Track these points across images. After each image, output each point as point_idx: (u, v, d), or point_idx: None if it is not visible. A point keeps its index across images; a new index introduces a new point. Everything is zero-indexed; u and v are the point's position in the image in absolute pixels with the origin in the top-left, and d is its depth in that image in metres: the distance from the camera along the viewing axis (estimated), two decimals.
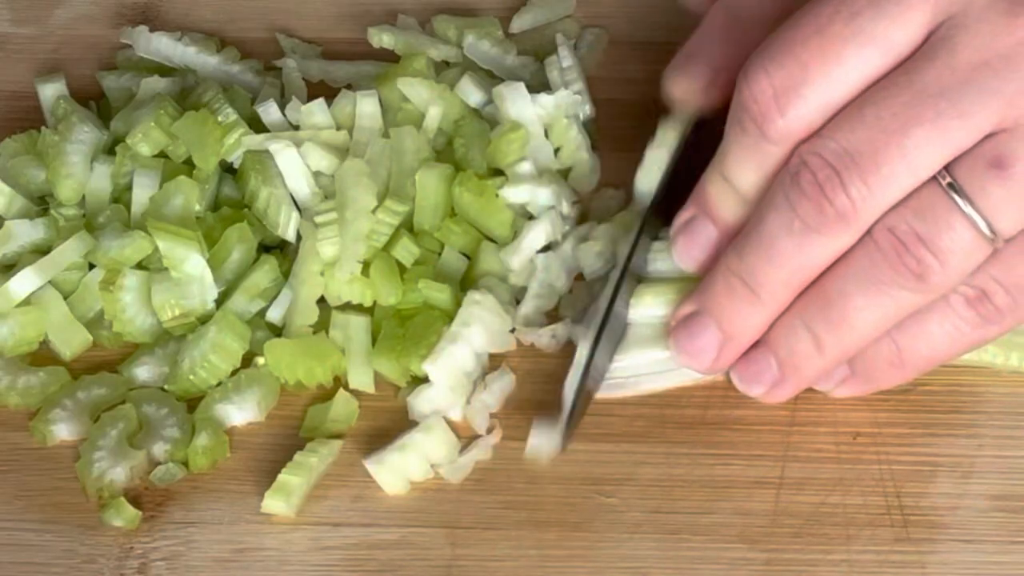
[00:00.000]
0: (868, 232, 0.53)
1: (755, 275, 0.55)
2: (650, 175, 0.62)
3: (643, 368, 0.60)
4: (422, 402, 0.61)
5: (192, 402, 0.62)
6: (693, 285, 0.58)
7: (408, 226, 0.65)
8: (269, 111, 0.68)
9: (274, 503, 0.58)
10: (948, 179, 0.52)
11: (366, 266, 0.63)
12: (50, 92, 0.72)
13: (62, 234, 0.65)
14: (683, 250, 0.59)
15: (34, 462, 0.61)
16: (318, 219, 0.63)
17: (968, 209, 0.52)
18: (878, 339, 0.55)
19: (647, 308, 0.60)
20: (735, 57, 0.57)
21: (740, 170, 0.56)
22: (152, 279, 0.63)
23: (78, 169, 0.67)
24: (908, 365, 0.56)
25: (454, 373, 0.61)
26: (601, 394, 0.60)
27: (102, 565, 0.58)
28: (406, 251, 0.64)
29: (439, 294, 0.63)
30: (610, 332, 0.59)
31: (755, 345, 0.57)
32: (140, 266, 0.64)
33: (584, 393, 0.58)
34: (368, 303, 0.63)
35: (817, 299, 0.55)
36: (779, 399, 0.58)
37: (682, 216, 0.59)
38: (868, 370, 0.57)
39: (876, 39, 0.52)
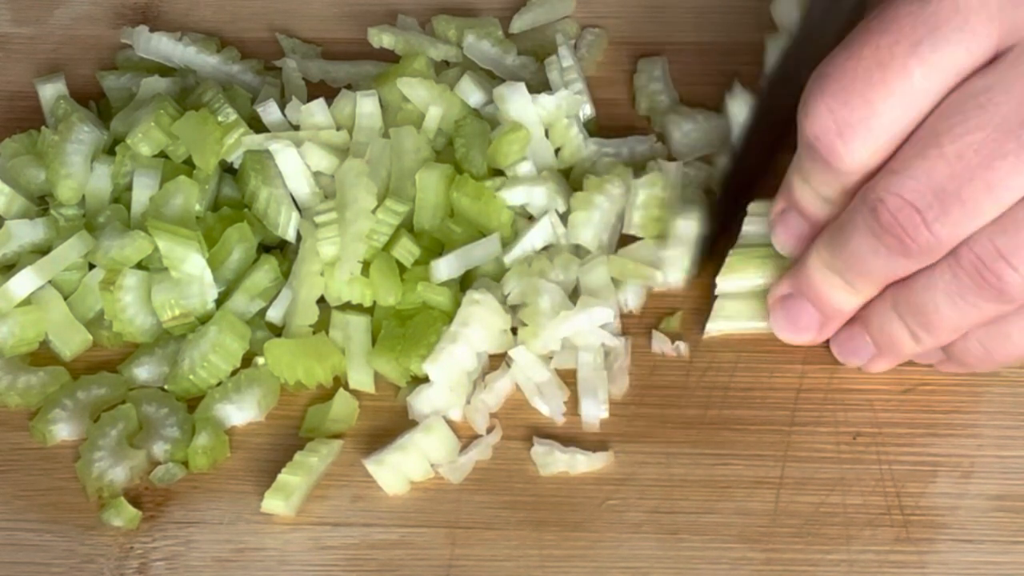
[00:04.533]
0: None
1: (847, 274, 0.56)
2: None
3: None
4: (422, 402, 0.61)
5: (192, 402, 0.63)
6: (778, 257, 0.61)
7: (408, 226, 0.65)
8: (269, 111, 0.68)
9: (274, 503, 0.59)
10: None
11: (366, 266, 0.63)
12: (50, 92, 0.72)
13: (62, 234, 0.65)
14: (780, 239, 0.60)
15: (34, 462, 0.62)
16: (318, 219, 0.63)
17: None
18: (968, 337, 0.56)
19: (736, 280, 0.62)
20: None
21: (819, 183, 0.56)
22: (152, 279, 0.64)
23: (78, 169, 0.67)
24: (997, 360, 0.57)
25: (454, 373, 0.61)
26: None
27: (102, 565, 0.59)
28: (406, 251, 0.64)
29: (438, 296, 0.63)
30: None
31: (853, 320, 0.59)
32: (140, 266, 0.64)
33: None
34: (368, 303, 0.63)
35: (908, 300, 0.55)
36: (878, 370, 0.60)
37: (776, 207, 0.60)
38: (961, 360, 0.58)
39: (941, 67, 0.51)
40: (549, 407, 0.61)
